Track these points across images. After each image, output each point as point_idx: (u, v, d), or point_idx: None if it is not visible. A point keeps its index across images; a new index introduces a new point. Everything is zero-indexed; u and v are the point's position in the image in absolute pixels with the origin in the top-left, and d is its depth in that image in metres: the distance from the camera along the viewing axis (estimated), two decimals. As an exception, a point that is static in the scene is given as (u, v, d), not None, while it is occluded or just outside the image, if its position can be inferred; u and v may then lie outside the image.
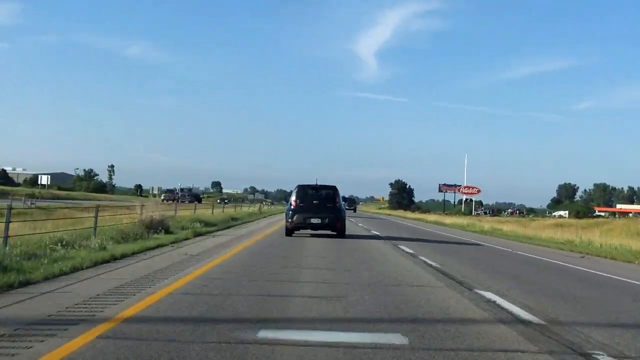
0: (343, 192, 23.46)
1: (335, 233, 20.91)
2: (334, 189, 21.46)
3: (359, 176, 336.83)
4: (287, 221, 20.86)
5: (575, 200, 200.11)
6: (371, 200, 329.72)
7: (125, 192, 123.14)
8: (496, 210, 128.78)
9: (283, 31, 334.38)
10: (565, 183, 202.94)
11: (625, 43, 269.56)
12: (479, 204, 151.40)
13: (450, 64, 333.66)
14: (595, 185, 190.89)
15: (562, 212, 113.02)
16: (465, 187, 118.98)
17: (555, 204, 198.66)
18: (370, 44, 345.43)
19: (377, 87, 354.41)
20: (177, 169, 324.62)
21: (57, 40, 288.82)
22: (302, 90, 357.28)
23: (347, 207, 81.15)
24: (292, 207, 20.71)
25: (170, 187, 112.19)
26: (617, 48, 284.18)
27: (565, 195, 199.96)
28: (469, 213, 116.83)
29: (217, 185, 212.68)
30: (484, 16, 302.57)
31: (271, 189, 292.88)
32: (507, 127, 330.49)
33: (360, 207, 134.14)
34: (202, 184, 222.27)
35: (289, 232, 20.81)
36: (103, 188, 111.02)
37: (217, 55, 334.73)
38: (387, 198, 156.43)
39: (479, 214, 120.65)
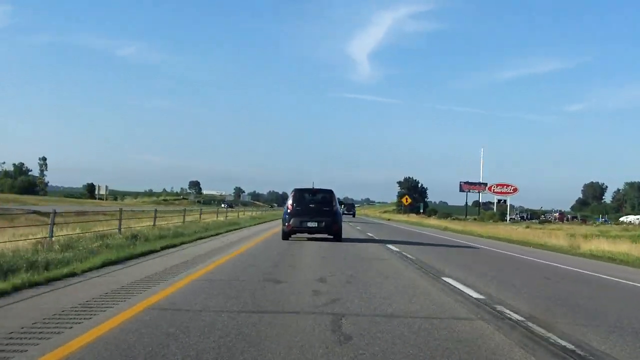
0: (337, 194, 22.35)
1: (332, 237, 20.40)
2: (330, 192, 21.25)
3: (355, 178, 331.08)
4: (283, 225, 20.38)
5: (602, 201, 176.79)
6: (367, 202, 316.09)
7: (63, 192, 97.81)
8: (534, 215, 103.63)
9: (281, 32, 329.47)
10: (592, 182, 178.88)
11: (625, 43, 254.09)
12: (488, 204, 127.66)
13: (448, 65, 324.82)
14: (627, 184, 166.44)
15: (633, 217, 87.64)
16: (497, 185, 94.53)
17: (581, 205, 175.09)
18: (366, 45, 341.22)
19: (373, 88, 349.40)
20: (169, 169, 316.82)
21: (52, 41, 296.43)
22: (298, 90, 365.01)
23: (345, 212, 64.63)
24: (288, 210, 20.32)
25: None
26: (616, 48, 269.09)
27: (592, 196, 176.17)
28: (500, 218, 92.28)
29: (195, 185, 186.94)
30: (479, 17, 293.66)
31: (264, 190, 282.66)
32: (507, 128, 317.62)
33: (356, 210, 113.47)
34: (187, 184, 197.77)
35: (286, 235, 20.23)
36: (33, 187, 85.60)
37: (214, 56, 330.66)
38: (394, 199, 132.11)
39: (513, 218, 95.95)
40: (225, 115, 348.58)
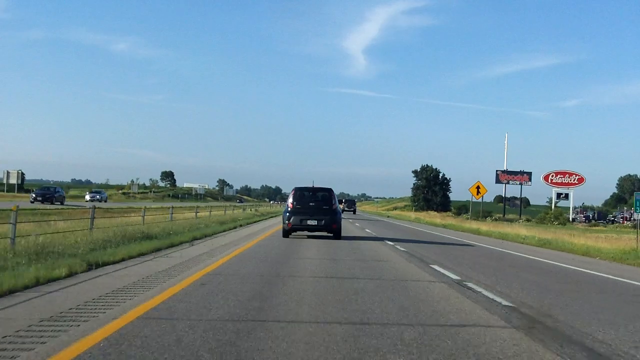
0: (334, 189, 22.14)
1: (331, 235, 20.67)
2: (329, 191, 21.37)
3: (351, 173, 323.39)
4: (284, 223, 20.56)
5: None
6: (364, 197, 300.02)
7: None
8: (600, 215, 78.82)
9: (277, 27, 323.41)
10: (629, 175, 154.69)
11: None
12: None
13: (444, 60, 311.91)
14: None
15: None
16: (555, 174, 70.05)
17: (617, 201, 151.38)
18: (362, 40, 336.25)
19: (368, 83, 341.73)
20: (163, 164, 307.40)
21: (44, 36, 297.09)
22: (293, 86, 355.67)
23: (346, 208, 67.16)
24: (289, 209, 20.54)
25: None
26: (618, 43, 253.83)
27: (629, 190, 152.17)
28: (557, 219, 67.71)
29: (168, 176, 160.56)
30: (474, 13, 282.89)
31: (257, 184, 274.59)
32: (505, 123, 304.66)
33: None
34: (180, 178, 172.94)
35: (286, 233, 20.47)
36: None
37: (209, 52, 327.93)
38: (409, 194, 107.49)
39: (574, 219, 71.48)
40: (220, 111, 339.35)
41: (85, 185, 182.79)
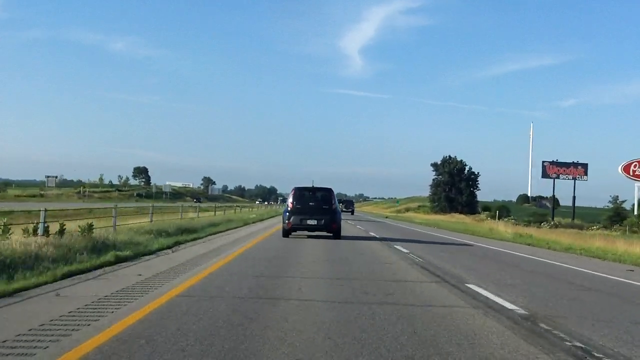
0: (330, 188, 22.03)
1: (331, 234, 20.41)
2: (329, 191, 21.40)
3: (348, 173, 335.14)
4: (284, 222, 20.47)
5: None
6: (362, 198, 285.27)
7: None
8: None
9: (275, 27, 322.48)
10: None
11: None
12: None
13: (441, 60, 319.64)
14: None
15: None
16: (637, 164, 51.72)
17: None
18: (359, 40, 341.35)
19: (365, 83, 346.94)
20: (157, 163, 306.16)
21: (44, 36, 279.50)
22: (291, 86, 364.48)
23: (344, 209, 62.20)
24: (288, 208, 20.49)
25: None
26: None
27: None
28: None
29: (142, 172, 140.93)
30: (471, 13, 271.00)
31: (251, 184, 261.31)
32: (504, 123, 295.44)
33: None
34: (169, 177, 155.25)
35: (286, 233, 20.31)
36: None
37: (207, 51, 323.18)
38: (411, 194, 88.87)
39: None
40: (220, 111, 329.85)
41: (78, 184, 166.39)
